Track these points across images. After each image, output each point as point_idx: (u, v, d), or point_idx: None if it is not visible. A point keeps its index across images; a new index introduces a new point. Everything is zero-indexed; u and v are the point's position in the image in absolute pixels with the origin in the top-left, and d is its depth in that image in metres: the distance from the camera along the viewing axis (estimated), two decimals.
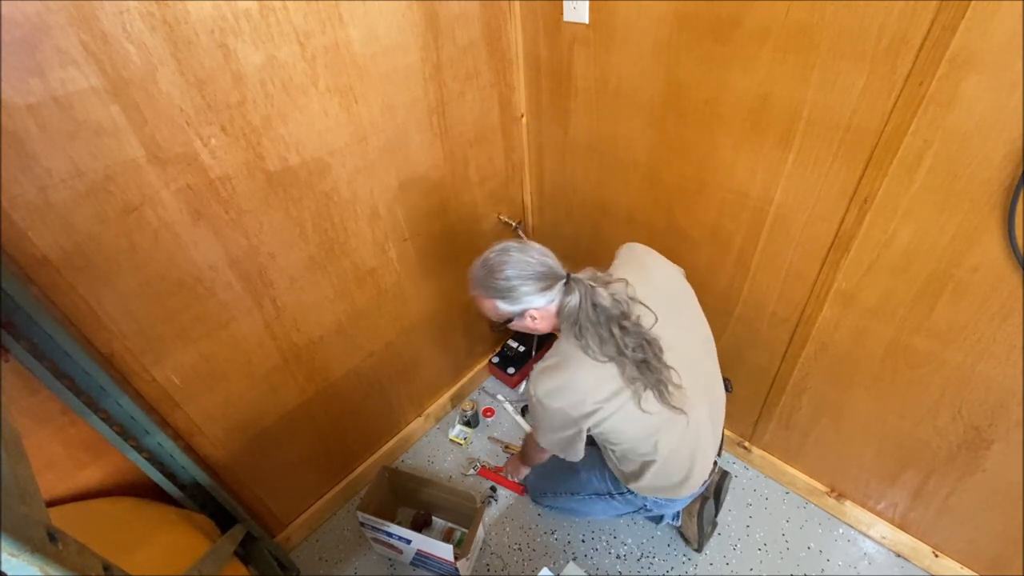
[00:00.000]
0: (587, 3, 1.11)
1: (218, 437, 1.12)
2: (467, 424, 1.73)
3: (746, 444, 1.52)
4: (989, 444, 1.02)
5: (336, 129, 1.04)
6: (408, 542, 1.29)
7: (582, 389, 0.94)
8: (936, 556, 1.26)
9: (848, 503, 1.37)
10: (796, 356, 1.22)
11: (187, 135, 0.84)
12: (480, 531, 1.37)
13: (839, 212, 0.98)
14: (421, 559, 1.33)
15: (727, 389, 1.17)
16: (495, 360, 1.86)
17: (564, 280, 0.95)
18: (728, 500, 1.46)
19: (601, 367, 0.92)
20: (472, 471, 1.61)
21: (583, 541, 1.43)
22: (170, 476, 1.00)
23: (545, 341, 1.89)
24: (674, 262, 1.14)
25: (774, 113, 0.97)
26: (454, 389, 1.79)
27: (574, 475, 1.25)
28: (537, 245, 0.98)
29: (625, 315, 0.93)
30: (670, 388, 0.94)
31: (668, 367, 0.94)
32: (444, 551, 1.23)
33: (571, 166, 1.42)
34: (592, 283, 0.94)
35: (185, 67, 0.80)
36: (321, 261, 1.14)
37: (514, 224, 1.60)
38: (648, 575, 1.35)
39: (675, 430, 0.99)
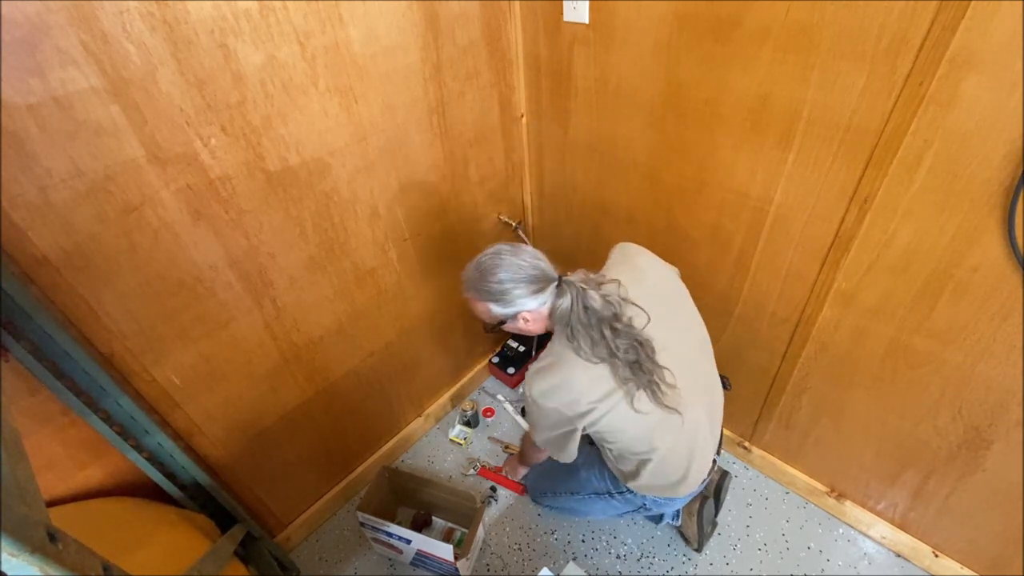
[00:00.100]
0: (587, 3, 1.11)
1: (218, 437, 1.12)
2: (467, 424, 1.73)
3: (746, 444, 1.52)
4: (989, 444, 1.02)
5: (336, 129, 1.04)
6: (408, 542, 1.29)
7: (576, 389, 0.94)
8: (936, 556, 1.26)
9: (848, 503, 1.37)
10: (796, 356, 1.22)
11: (187, 135, 0.84)
12: (480, 531, 1.37)
13: (839, 212, 0.98)
14: (421, 559, 1.33)
15: (725, 387, 1.17)
16: (495, 360, 1.86)
17: (556, 282, 0.95)
18: (728, 500, 1.46)
19: (593, 368, 0.93)
20: (472, 471, 1.61)
21: (583, 541, 1.43)
22: (170, 476, 1.00)
23: (545, 341, 1.89)
24: (674, 262, 1.14)
25: (774, 113, 0.97)
26: (454, 389, 1.79)
27: (573, 474, 1.25)
28: (529, 248, 0.99)
29: (617, 317, 0.93)
30: (663, 388, 0.94)
31: (661, 367, 0.94)
32: (444, 551, 1.23)
33: (571, 166, 1.42)
34: (584, 285, 0.94)
35: (185, 67, 0.80)
36: (321, 261, 1.14)
37: (514, 224, 1.60)
38: (648, 575, 1.35)
39: (671, 429, 0.99)
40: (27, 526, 0.38)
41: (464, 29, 1.18)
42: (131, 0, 0.72)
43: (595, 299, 0.92)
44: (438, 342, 1.61)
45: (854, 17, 0.81)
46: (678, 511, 1.33)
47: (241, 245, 0.99)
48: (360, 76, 1.03)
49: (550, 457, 1.26)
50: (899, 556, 1.33)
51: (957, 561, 1.24)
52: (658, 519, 1.35)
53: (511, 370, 1.81)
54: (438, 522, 1.50)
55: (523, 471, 1.51)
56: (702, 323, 1.11)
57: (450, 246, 1.45)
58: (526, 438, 1.32)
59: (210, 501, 1.09)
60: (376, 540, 1.36)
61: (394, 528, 1.26)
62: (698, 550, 1.36)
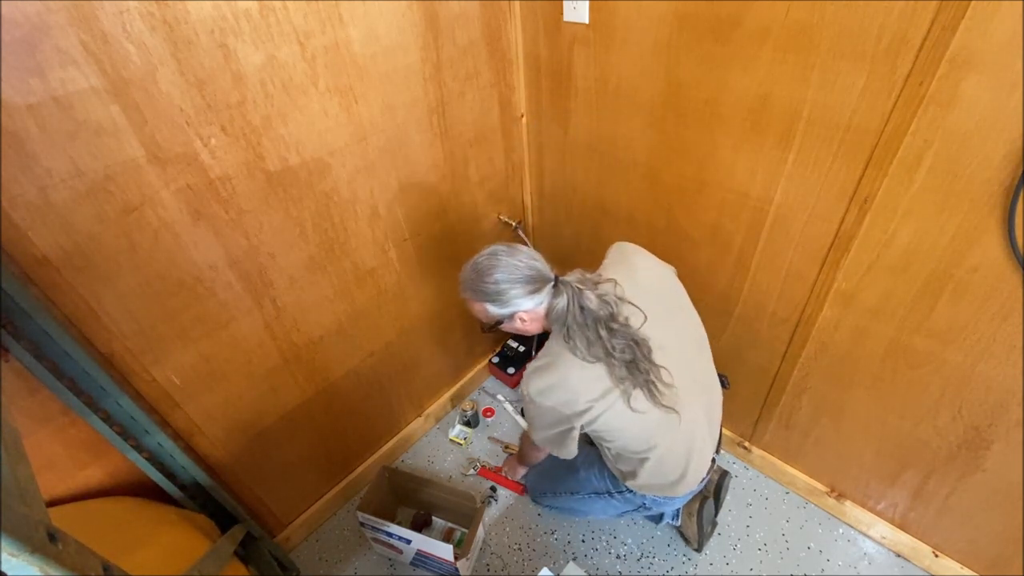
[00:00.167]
0: (587, 3, 1.11)
1: (218, 437, 1.12)
2: (467, 424, 1.73)
3: (746, 444, 1.52)
4: (989, 444, 1.02)
5: (336, 129, 1.04)
6: (408, 542, 1.29)
7: (573, 388, 0.94)
8: (936, 556, 1.26)
9: (848, 503, 1.37)
10: (796, 356, 1.22)
11: (187, 135, 0.84)
12: (480, 531, 1.37)
13: (839, 212, 0.98)
14: (421, 559, 1.33)
15: (724, 386, 1.17)
16: (495, 360, 1.86)
17: (552, 283, 0.96)
18: (728, 500, 1.46)
19: (590, 367, 0.93)
20: (472, 471, 1.61)
21: (583, 541, 1.43)
22: (170, 476, 1.00)
23: (545, 340, 1.89)
24: (674, 262, 1.14)
25: (774, 113, 0.97)
26: (454, 389, 1.79)
27: (573, 474, 1.25)
28: (526, 248, 0.99)
29: (613, 316, 0.93)
30: (660, 387, 0.94)
31: (658, 366, 0.94)
32: (444, 551, 1.23)
33: (571, 166, 1.42)
34: (580, 285, 0.94)
35: (185, 67, 0.80)
36: (321, 261, 1.14)
37: (514, 224, 1.60)
38: (648, 575, 1.35)
39: (668, 428, 0.99)
40: (27, 526, 0.38)
41: (464, 29, 1.18)
42: (131, 0, 0.72)
43: (591, 299, 0.93)
44: (438, 342, 1.61)
45: (854, 17, 0.81)
46: (678, 511, 1.33)
47: (241, 245, 0.99)
48: (360, 76, 1.03)
49: (550, 457, 1.26)
50: (899, 556, 1.33)
51: (957, 561, 1.24)
52: (658, 519, 1.35)
53: (511, 370, 1.81)
54: (438, 522, 1.50)
55: (523, 471, 1.51)
56: (700, 322, 1.11)
57: (450, 246, 1.45)
58: (525, 437, 1.33)
59: (210, 501, 1.09)
60: (376, 540, 1.36)
61: (394, 528, 1.26)
62: (698, 550, 1.36)
